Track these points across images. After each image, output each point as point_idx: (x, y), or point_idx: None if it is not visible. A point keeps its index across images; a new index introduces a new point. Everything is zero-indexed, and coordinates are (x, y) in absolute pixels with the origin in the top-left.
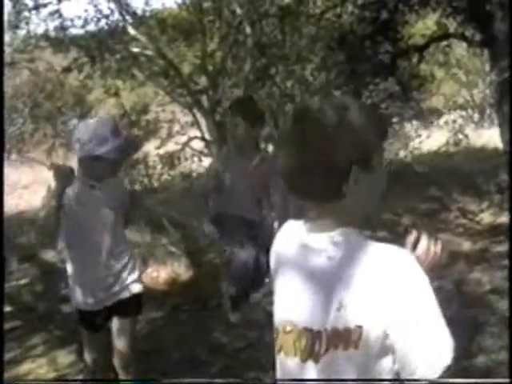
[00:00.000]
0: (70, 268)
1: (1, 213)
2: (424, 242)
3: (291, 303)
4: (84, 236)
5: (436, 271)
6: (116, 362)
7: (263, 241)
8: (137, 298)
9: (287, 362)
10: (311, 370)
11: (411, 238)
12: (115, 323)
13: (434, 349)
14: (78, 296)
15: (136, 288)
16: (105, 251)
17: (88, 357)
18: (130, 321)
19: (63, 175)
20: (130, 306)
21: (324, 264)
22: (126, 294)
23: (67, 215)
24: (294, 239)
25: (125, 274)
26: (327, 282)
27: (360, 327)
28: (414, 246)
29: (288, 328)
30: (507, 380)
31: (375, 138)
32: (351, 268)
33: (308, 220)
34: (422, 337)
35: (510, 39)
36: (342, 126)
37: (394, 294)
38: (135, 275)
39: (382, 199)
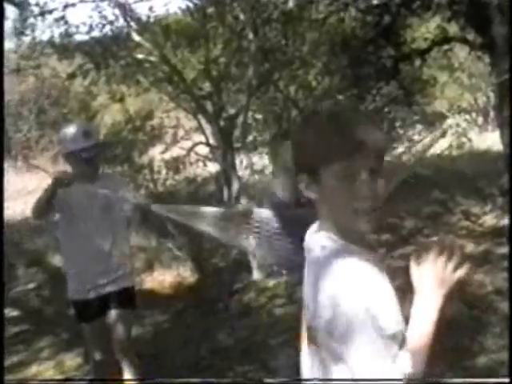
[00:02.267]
0: (64, 260)
1: (1, 216)
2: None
3: None
4: (76, 230)
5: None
6: (116, 354)
7: None
8: (128, 291)
9: None
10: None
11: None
12: (110, 316)
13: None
14: (71, 286)
15: (126, 282)
16: (96, 245)
17: (91, 352)
18: (124, 314)
19: (58, 178)
20: (122, 300)
21: (309, 263)
22: (116, 287)
23: (63, 211)
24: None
25: (115, 268)
26: (307, 281)
27: (316, 328)
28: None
29: None
30: (507, 380)
31: (326, 153)
32: (316, 271)
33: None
34: (358, 349)
35: (510, 42)
36: (295, 135)
37: (338, 303)
38: (126, 270)
39: (359, 213)
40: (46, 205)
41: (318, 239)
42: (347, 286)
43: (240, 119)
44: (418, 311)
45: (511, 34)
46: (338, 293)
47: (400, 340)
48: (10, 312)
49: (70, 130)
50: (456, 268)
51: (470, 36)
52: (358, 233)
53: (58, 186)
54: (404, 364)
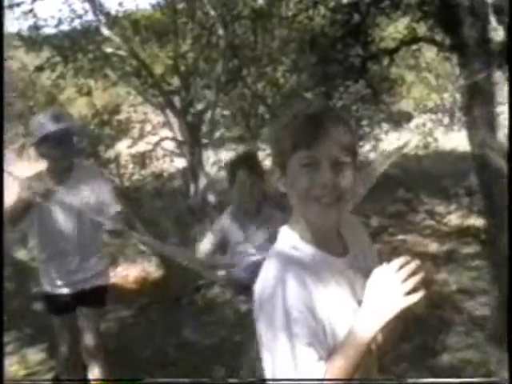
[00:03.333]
0: (39, 255)
1: (1, 217)
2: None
3: None
4: (53, 225)
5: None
6: (83, 352)
7: None
8: (100, 289)
9: None
10: None
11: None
12: (80, 312)
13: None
14: (44, 279)
15: (99, 281)
16: (71, 241)
17: (59, 346)
18: (94, 311)
19: (38, 194)
20: (93, 298)
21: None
22: (89, 285)
23: (38, 207)
24: None
25: (90, 266)
26: None
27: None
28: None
29: None
30: (507, 380)
31: (291, 144)
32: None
33: None
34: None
35: (509, 45)
36: (270, 132)
37: (261, 306)
38: (100, 268)
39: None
40: (23, 213)
41: (280, 235)
42: (272, 289)
43: (208, 115)
44: (355, 326)
45: (509, 38)
46: (262, 295)
47: (319, 351)
48: None
49: (40, 116)
50: (411, 292)
51: (439, 37)
52: (321, 227)
53: (37, 200)
54: (316, 375)
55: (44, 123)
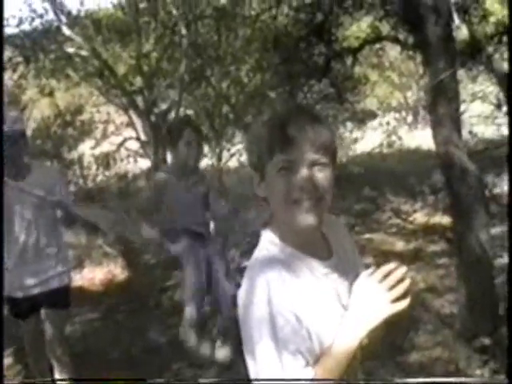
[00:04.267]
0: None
1: (1, 218)
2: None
3: None
4: (7, 227)
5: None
6: (47, 353)
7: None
8: (63, 290)
9: None
10: None
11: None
12: (44, 314)
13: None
14: (5, 282)
15: (56, 283)
16: (30, 244)
17: (26, 350)
18: (55, 314)
19: None
20: (57, 298)
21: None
22: (51, 285)
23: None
24: None
25: (51, 266)
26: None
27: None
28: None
29: None
30: (507, 380)
31: (267, 150)
32: (247, 272)
33: None
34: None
35: (509, 46)
36: (245, 137)
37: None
38: (62, 268)
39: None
40: None
41: (262, 240)
42: (256, 295)
43: (172, 115)
44: (341, 332)
45: (509, 38)
46: (246, 302)
47: (306, 357)
48: None
49: None
50: (397, 300)
51: (402, 35)
52: (302, 231)
53: None
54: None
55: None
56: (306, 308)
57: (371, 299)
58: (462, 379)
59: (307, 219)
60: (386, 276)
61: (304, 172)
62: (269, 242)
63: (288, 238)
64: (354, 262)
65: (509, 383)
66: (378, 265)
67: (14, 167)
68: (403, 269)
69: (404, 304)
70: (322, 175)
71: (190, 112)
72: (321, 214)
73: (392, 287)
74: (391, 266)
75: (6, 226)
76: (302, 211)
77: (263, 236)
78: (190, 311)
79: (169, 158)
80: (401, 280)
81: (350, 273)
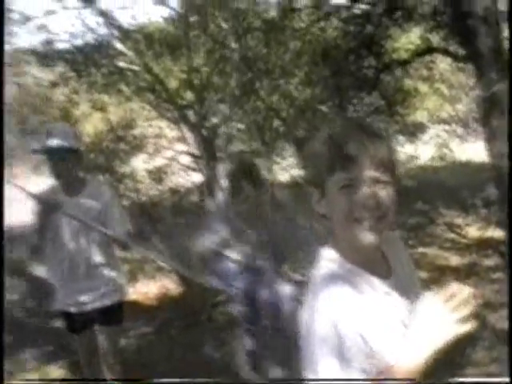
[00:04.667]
0: (53, 273)
1: (1, 218)
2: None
3: None
4: (61, 243)
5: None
6: (102, 365)
7: None
8: (116, 307)
9: None
10: None
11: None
12: (99, 329)
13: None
14: (57, 297)
15: (109, 300)
16: (80, 259)
17: (81, 363)
18: (109, 330)
19: (46, 204)
20: (110, 315)
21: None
22: (104, 302)
23: (51, 224)
24: None
25: (104, 283)
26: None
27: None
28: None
29: None
30: (507, 380)
31: (327, 167)
32: (310, 288)
33: None
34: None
35: (510, 47)
36: (304, 152)
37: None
38: (115, 285)
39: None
40: (41, 234)
41: (321, 257)
42: (321, 315)
43: (223, 129)
44: (404, 352)
45: (510, 41)
46: (310, 321)
47: (371, 374)
48: None
49: (49, 127)
50: (462, 321)
51: (452, 47)
52: (363, 249)
53: (47, 212)
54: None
55: (39, 137)
56: (371, 326)
57: (436, 320)
58: (462, 379)
59: (368, 237)
60: (452, 296)
61: (366, 190)
62: (329, 260)
63: (348, 256)
64: (411, 279)
65: (509, 383)
66: (434, 279)
67: (68, 184)
68: (469, 290)
69: (469, 326)
70: (383, 193)
71: (240, 126)
72: (382, 232)
73: (457, 308)
74: (457, 286)
75: (58, 243)
76: (363, 229)
77: (322, 253)
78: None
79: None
80: (466, 301)
81: (409, 291)
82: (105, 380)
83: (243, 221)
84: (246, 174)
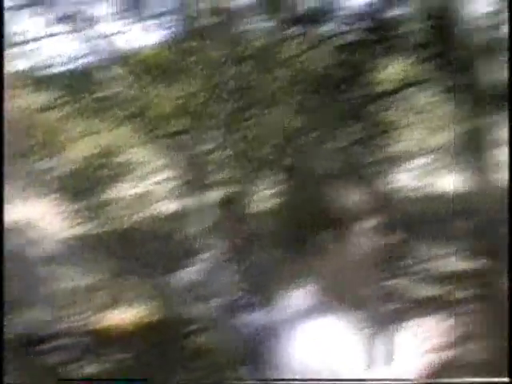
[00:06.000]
0: None
1: (1, 218)
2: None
3: None
4: None
5: None
6: None
7: None
8: None
9: None
10: None
11: None
12: None
13: None
14: None
15: None
16: None
17: None
18: None
19: None
20: None
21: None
22: None
23: None
24: None
25: None
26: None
27: None
28: None
29: None
30: (507, 380)
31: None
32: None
33: None
34: None
35: (510, 49)
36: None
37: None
38: None
39: None
40: None
41: (300, 293)
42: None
43: (212, 156)
44: None
45: (510, 49)
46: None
47: None
48: None
49: None
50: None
51: (440, 78)
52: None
53: None
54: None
55: None
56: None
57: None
58: (463, 379)
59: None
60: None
61: None
62: (307, 295)
63: (329, 291)
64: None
65: (509, 383)
66: (405, 311)
67: None
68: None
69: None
70: None
71: (229, 153)
72: None
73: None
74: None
75: None
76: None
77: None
78: None
79: None
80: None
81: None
82: (105, 380)
83: (225, 250)
84: (231, 203)
